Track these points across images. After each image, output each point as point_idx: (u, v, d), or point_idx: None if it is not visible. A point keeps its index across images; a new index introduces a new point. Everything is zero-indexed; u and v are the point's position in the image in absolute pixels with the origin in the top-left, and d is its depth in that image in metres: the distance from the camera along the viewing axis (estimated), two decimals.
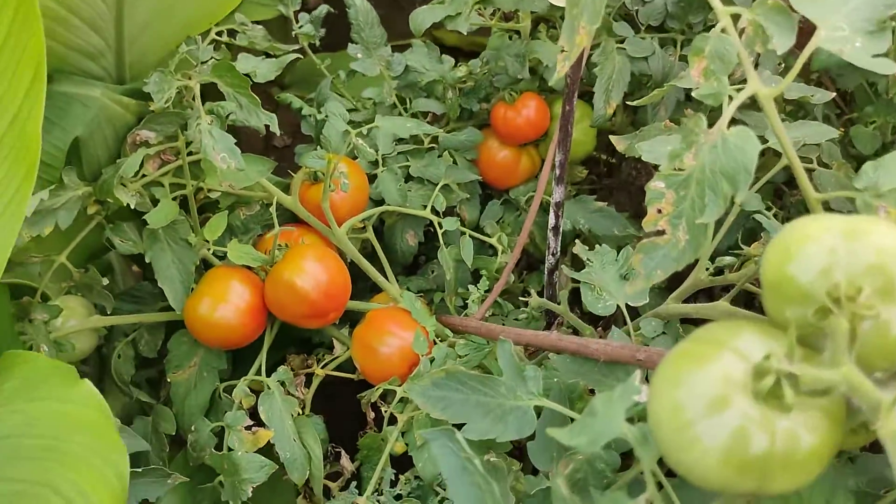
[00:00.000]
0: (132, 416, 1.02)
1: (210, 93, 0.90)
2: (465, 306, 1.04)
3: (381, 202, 1.09)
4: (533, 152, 1.21)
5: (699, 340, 0.48)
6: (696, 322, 0.90)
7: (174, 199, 0.93)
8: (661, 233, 0.56)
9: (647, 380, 0.57)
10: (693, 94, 0.56)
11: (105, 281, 0.93)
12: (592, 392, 0.72)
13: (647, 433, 0.45)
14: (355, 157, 1.07)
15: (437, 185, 1.11)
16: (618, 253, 0.89)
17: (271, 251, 0.94)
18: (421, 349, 0.91)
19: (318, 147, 1.10)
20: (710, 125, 0.55)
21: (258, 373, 0.94)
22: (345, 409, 1.00)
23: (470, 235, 1.05)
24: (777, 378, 0.44)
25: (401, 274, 1.17)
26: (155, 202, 0.92)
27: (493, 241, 1.06)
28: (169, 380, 0.98)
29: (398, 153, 1.12)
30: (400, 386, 0.90)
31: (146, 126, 0.89)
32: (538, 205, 0.91)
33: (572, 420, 0.65)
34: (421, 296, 1.13)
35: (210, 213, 1.03)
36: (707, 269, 0.85)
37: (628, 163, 1.38)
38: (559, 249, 0.93)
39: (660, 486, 0.50)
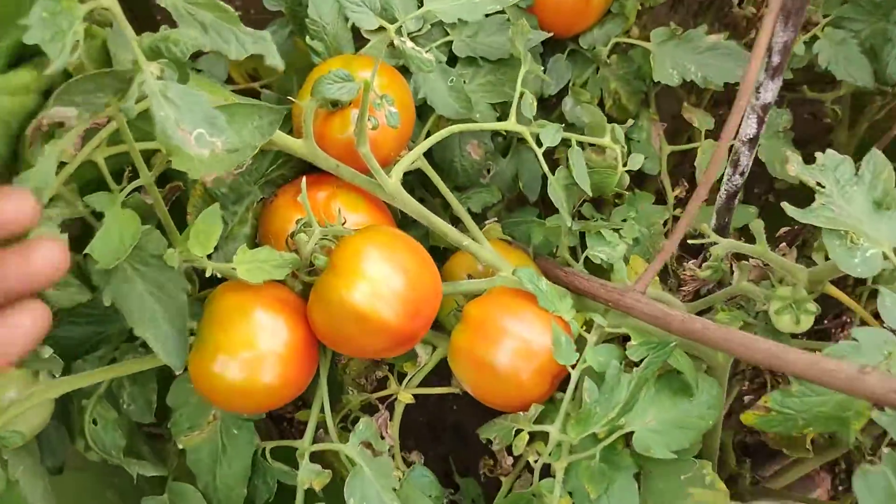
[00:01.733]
0: (139, 492, 0.70)
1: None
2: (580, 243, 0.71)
3: (420, 106, 0.72)
4: None
5: None
6: None
7: (123, 195, 0.56)
8: None
9: None
10: None
11: (46, 352, 0.56)
12: None
13: None
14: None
15: (494, 62, 0.74)
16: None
17: (303, 246, 0.58)
18: (567, 359, 0.59)
19: (294, 27, 0.71)
20: None
21: (321, 426, 0.62)
22: (438, 424, 0.70)
23: (579, 143, 0.69)
24: None
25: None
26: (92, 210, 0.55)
27: (605, 142, 0.71)
28: (181, 446, 0.65)
29: (430, 26, 0.73)
30: (546, 422, 0.59)
31: (60, 100, 0.48)
32: (746, 101, 0.52)
33: None
34: (495, 221, 0.79)
35: (177, 182, 0.66)
36: None
37: None
38: (750, 164, 0.59)
39: None
